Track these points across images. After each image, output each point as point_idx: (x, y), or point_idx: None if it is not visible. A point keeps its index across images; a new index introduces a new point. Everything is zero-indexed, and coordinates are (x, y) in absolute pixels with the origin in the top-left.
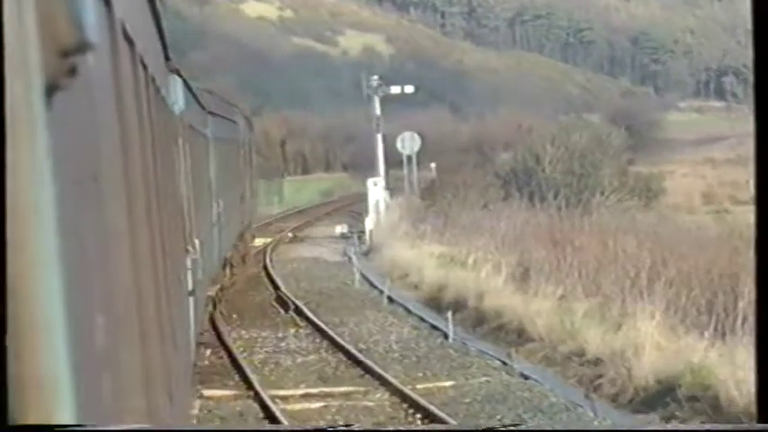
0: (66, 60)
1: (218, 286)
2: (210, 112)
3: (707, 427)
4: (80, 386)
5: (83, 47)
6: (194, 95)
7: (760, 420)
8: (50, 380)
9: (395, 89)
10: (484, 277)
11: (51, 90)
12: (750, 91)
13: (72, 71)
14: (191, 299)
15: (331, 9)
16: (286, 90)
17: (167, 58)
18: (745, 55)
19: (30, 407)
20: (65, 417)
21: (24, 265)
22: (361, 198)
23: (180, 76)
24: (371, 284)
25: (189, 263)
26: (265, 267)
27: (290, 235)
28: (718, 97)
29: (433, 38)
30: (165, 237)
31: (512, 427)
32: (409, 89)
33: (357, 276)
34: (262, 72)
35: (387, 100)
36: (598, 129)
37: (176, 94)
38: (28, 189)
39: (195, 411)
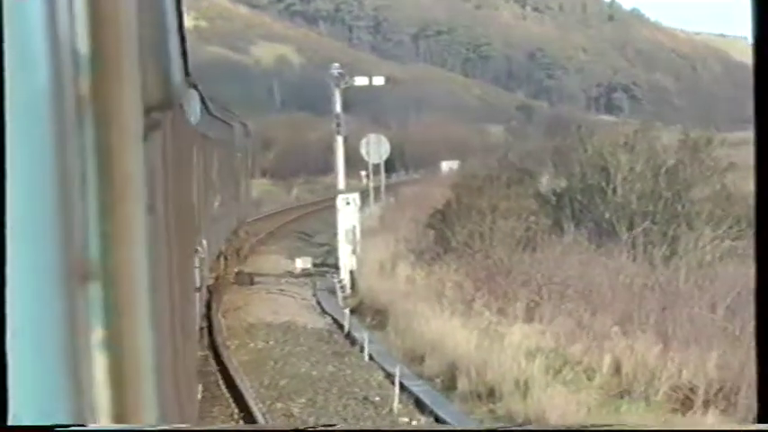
0: (151, 117)
1: (215, 275)
2: (215, 117)
3: (707, 427)
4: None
5: (169, 104)
6: (203, 102)
7: (760, 420)
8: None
9: (360, 80)
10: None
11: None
12: (637, 106)
13: (156, 126)
14: (197, 294)
15: (244, 21)
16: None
17: (187, 74)
18: (634, 73)
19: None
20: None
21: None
22: (297, 211)
23: (197, 89)
24: (433, 414)
25: (197, 261)
26: (215, 351)
27: (233, 271)
28: (608, 111)
29: (341, 50)
30: (183, 239)
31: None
32: (379, 80)
33: (379, 379)
34: None
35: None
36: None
37: (195, 106)
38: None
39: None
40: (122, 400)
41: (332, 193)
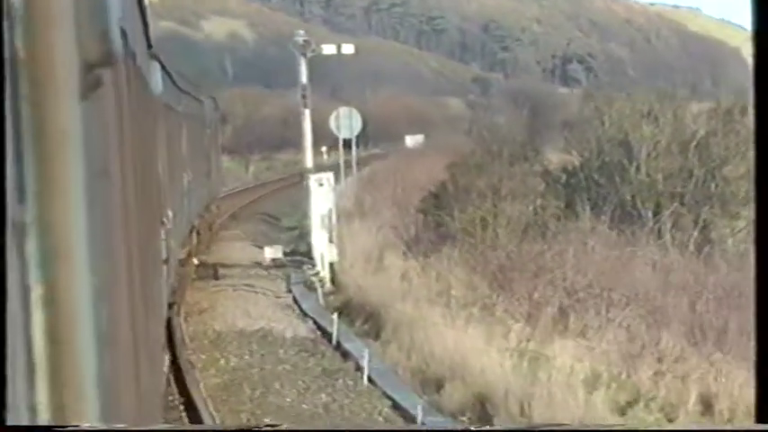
0: (92, 73)
1: (187, 249)
2: (182, 91)
3: (707, 427)
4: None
5: (109, 60)
6: (170, 76)
7: (760, 420)
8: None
9: (328, 48)
10: None
11: (83, 95)
12: (593, 78)
13: (98, 83)
14: (164, 267)
15: None
16: None
17: (150, 46)
18: (589, 44)
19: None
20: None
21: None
22: (258, 190)
23: (159, 61)
24: None
25: (163, 234)
26: (177, 372)
27: (195, 262)
28: (563, 83)
29: (293, 24)
30: (145, 210)
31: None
32: (348, 49)
33: (385, 411)
34: None
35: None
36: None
37: (156, 78)
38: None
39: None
40: (59, 358)
41: (292, 170)
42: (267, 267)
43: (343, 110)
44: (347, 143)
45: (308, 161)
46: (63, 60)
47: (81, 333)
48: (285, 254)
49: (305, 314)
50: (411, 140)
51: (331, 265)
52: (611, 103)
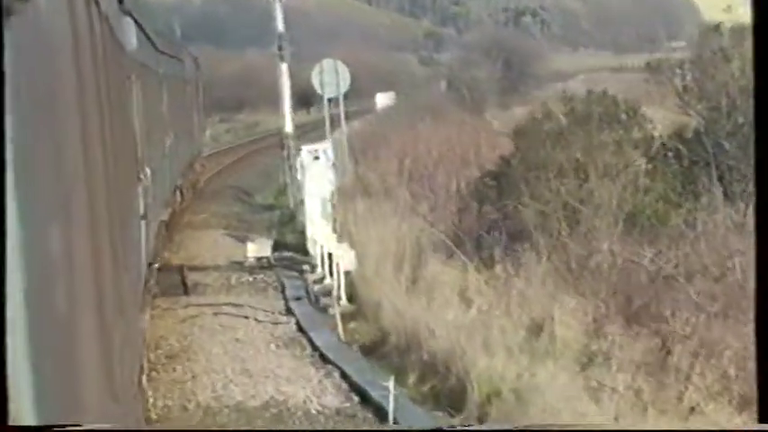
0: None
1: (170, 210)
2: (161, 52)
3: (707, 427)
4: (33, 296)
5: None
6: (147, 36)
7: (760, 420)
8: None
9: None
10: None
11: (7, 13)
12: (547, 30)
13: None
14: (142, 222)
15: None
16: None
17: (120, 1)
18: None
19: None
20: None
21: None
22: (222, 157)
23: (132, 17)
24: None
25: (140, 189)
26: None
27: (155, 267)
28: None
29: None
30: (117, 164)
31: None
32: None
33: None
34: None
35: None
36: None
37: (129, 34)
38: None
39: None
40: None
41: (254, 134)
42: (251, 269)
43: (327, 62)
44: (306, 101)
45: (288, 124)
46: None
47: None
48: (276, 253)
49: (324, 358)
50: (383, 98)
51: (348, 274)
52: (741, 40)
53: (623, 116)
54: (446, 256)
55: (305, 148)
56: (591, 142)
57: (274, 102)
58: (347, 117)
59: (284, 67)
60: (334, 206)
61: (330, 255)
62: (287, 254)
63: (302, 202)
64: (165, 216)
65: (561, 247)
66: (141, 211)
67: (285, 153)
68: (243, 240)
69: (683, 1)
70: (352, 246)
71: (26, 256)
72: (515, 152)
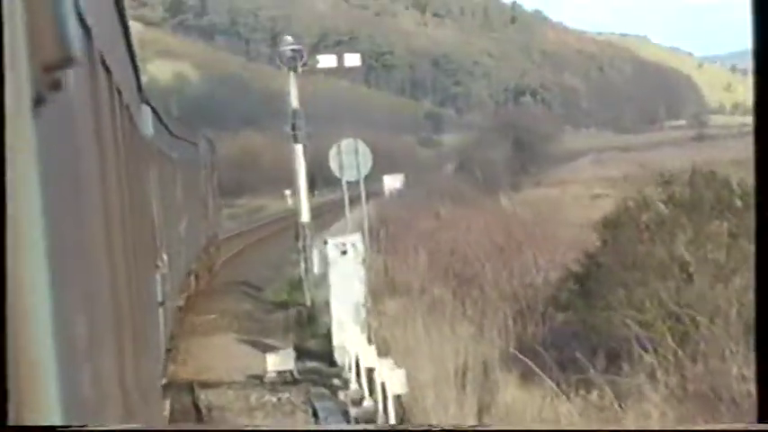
0: (50, 74)
1: (185, 294)
2: (176, 137)
3: (707, 426)
4: (63, 380)
5: (67, 62)
6: (162, 122)
7: (760, 420)
8: (38, 372)
9: (326, 60)
10: None
11: (37, 102)
12: (547, 110)
13: (56, 85)
14: (161, 309)
15: (138, 38)
16: None
17: (140, 90)
18: (541, 75)
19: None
20: (48, 411)
21: (17, 267)
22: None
23: (149, 105)
24: None
25: (158, 277)
26: None
27: (162, 382)
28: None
29: (239, 63)
30: (136, 251)
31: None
32: (353, 60)
33: None
34: None
35: None
36: None
37: (147, 121)
38: (19, 194)
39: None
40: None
41: (258, 219)
42: (273, 386)
43: (346, 143)
44: (311, 183)
45: (304, 212)
46: (13, 61)
47: (40, 338)
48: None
49: None
50: (391, 181)
51: (397, 397)
52: None
53: (738, 202)
54: (522, 377)
55: (331, 241)
56: (698, 235)
57: (276, 185)
58: (352, 201)
59: (299, 148)
60: (368, 310)
61: (368, 368)
62: (311, 364)
63: (327, 303)
64: (180, 302)
65: (676, 368)
66: (159, 298)
67: (301, 244)
68: (258, 346)
69: (684, 80)
70: (394, 357)
71: (56, 340)
72: (602, 247)
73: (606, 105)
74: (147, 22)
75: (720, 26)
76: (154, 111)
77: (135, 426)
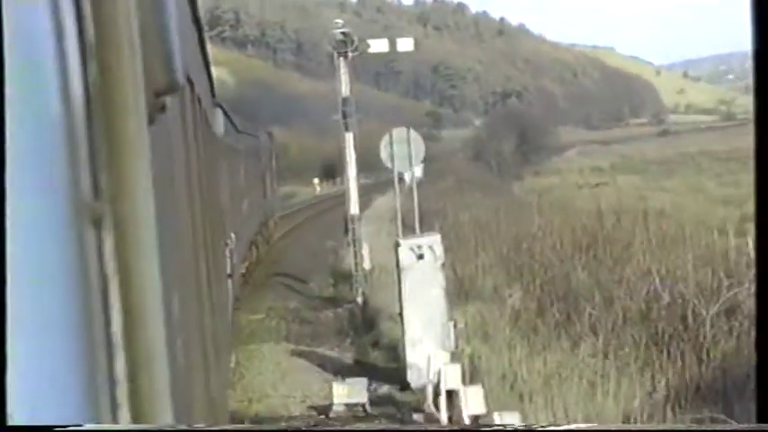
0: (159, 99)
1: (247, 263)
2: (240, 132)
3: (707, 426)
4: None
5: (173, 89)
6: (230, 120)
7: (760, 420)
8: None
9: (378, 45)
10: None
11: (150, 122)
12: (530, 110)
13: (163, 108)
14: (229, 280)
15: None
16: None
17: (213, 95)
18: (524, 80)
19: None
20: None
21: (137, 261)
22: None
23: (221, 108)
24: None
25: (227, 252)
26: None
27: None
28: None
29: (267, 70)
30: (212, 234)
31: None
32: (406, 45)
33: None
34: None
35: None
36: None
37: (219, 122)
38: (138, 196)
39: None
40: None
41: (288, 205)
42: (343, 425)
43: (398, 132)
44: (332, 171)
45: (354, 203)
46: (133, 89)
47: (154, 322)
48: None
49: None
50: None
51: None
52: None
53: None
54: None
55: (404, 243)
56: None
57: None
58: (367, 191)
59: (349, 136)
60: (456, 326)
61: (450, 393)
62: (381, 390)
63: (400, 316)
64: (242, 269)
65: None
66: (228, 270)
67: (350, 238)
68: (315, 360)
69: (644, 84)
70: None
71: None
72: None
73: (579, 106)
74: None
75: (675, 39)
76: (225, 113)
77: (135, 425)
